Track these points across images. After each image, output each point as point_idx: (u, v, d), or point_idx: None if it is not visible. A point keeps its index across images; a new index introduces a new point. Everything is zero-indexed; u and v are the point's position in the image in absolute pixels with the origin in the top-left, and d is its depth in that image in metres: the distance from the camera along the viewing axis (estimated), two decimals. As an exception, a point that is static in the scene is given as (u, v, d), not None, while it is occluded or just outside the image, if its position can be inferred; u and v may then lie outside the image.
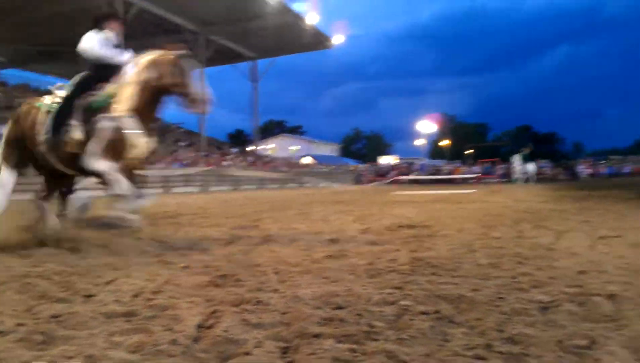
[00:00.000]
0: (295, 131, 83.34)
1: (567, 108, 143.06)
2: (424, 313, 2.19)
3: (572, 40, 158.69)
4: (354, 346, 1.82)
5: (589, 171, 35.58)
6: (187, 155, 29.48)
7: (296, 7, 32.56)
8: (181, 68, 4.41)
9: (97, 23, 4.75)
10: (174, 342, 1.86)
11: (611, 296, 2.34)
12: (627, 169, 34.39)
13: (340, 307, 2.34)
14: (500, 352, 1.74)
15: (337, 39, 37.39)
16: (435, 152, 76.14)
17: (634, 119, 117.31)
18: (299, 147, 61.53)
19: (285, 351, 1.81)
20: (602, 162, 38.61)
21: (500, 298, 2.40)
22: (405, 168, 42.02)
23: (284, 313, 2.23)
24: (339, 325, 2.08)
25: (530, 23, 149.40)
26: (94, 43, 4.61)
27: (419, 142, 61.66)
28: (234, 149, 40.36)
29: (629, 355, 1.68)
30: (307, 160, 51.25)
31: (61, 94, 4.68)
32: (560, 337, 1.85)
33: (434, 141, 78.76)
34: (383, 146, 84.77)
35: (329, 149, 68.89)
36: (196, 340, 1.92)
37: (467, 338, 1.89)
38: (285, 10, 30.91)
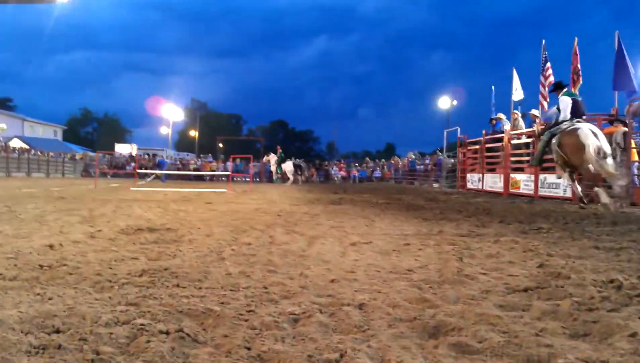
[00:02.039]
0: (2, 104, 65.10)
1: (322, 105, 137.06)
2: (163, 332, 2.01)
3: (331, 35, 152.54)
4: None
5: (343, 173, 37.37)
6: None
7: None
8: None
9: None
10: None
11: (361, 306, 2.43)
12: (377, 173, 36.72)
13: (58, 331, 2.00)
14: (247, 372, 1.65)
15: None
16: (183, 143, 72.14)
17: (385, 122, 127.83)
18: (4, 126, 50.13)
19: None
20: (356, 165, 40.32)
21: (250, 311, 2.34)
22: (146, 160, 38.39)
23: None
24: (56, 353, 1.78)
25: (290, 12, 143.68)
26: None
27: (164, 130, 56.88)
28: None
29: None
30: (16, 143, 42.17)
31: None
32: (310, 351, 1.85)
33: (181, 130, 75.22)
34: (120, 132, 76.60)
35: (50, 132, 59.01)
36: None
37: (211, 360, 1.77)
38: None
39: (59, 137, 60.69)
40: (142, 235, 4.75)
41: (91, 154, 43.29)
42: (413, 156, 35.52)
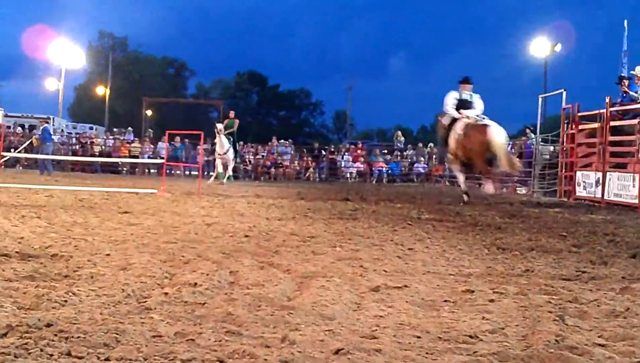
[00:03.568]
0: None
1: (326, 51, 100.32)
2: None
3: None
4: None
5: (360, 166, 25.91)
6: None
7: None
8: None
9: None
10: None
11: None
12: (420, 167, 24.60)
13: None
14: None
15: None
16: (83, 108, 50.19)
17: (434, 81, 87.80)
18: None
19: None
20: (383, 152, 27.12)
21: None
22: (20, 135, 25.07)
23: None
24: None
25: None
26: None
27: (52, 85, 38.14)
28: None
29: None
30: None
31: None
32: None
33: (82, 85, 52.31)
34: None
35: None
36: None
37: None
38: None
39: None
40: (7, 265, 3.49)
41: None
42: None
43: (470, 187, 12.97)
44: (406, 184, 23.21)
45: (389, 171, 25.46)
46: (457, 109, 10.33)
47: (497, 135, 9.72)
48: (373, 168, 25.41)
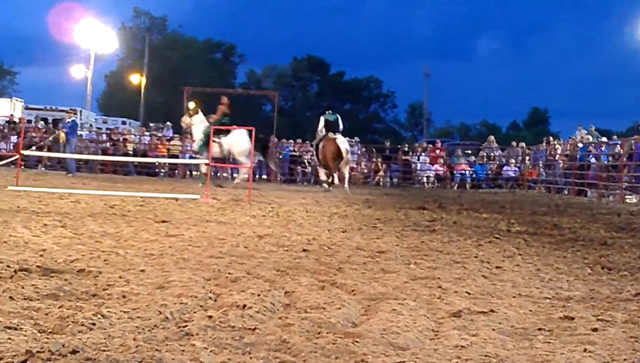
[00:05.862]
0: None
1: (398, 33, 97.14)
2: None
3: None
4: None
5: (439, 168, 23.38)
6: None
7: None
8: None
9: None
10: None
11: None
12: (510, 170, 22.95)
13: None
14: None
15: None
16: (114, 99, 45.85)
17: (529, 69, 79.55)
18: None
19: None
20: (467, 152, 25.46)
21: None
22: (42, 131, 22.18)
23: None
24: None
25: None
26: None
27: (79, 73, 34.99)
28: None
29: None
30: None
31: None
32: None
33: (114, 73, 48.43)
34: None
35: None
36: None
37: None
38: None
39: None
40: (27, 282, 3.31)
41: None
42: (586, 138, 19.24)
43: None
44: (493, 190, 21.34)
45: (473, 175, 23.07)
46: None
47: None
48: (454, 172, 22.97)
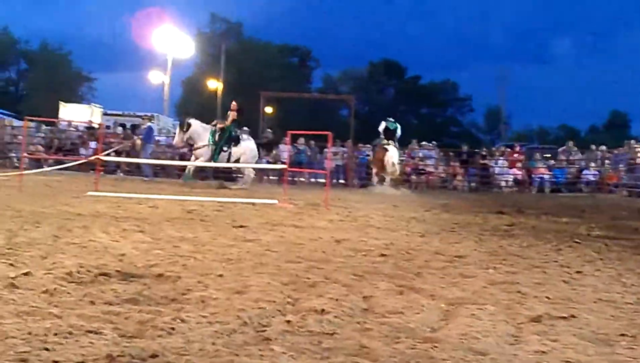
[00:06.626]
0: None
1: (474, 35, 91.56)
2: None
3: None
4: None
5: (517, 172, 22.97)
6: None
7: None
8: None
9: None
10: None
11: None
12: (590, 174, 22.64)
13: None
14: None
15: None
16: (191, 104, 45.06)
17: (608, 70, 68.62)
18: None
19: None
20: (545, 156, 24.18)
21: None
22: (121, 137, 21.89)
23: None
24: None
25: None
26: None
27: (157, 78, 35.29)
28: None
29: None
30: None
31: None
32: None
33: (189, 78, 48.98)
34: (70, 81, 47.83)
35: None
36: None
37: None
38: None
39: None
40: (107, 286, 3.30)
41: (15, 122, 25.07)
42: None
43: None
44: (573, 194, 20.85)
45: (552, 179, 22.44)
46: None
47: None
48: (533, 175, 22.50)
